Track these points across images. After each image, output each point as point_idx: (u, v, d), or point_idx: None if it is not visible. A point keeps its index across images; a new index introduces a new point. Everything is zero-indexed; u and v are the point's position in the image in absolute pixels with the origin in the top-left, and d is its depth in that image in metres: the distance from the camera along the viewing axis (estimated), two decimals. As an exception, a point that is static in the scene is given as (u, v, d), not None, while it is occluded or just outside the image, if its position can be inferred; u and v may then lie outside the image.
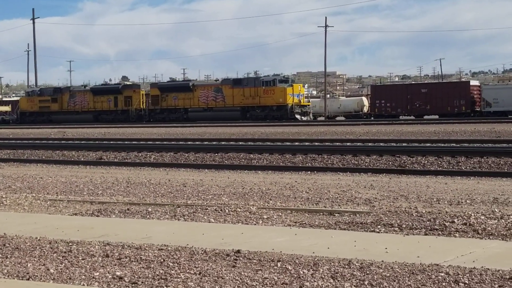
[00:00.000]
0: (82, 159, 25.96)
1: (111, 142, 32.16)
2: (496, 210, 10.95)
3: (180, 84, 69.93)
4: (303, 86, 70.50)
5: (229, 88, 64.46)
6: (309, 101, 66.42)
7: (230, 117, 61.83)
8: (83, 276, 7.11)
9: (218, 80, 69.36)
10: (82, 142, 33.88)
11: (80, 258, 7.94)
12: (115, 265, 7.59)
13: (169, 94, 67.54)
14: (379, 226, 9.95)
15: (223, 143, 29.69)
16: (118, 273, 7.15)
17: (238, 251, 8.08)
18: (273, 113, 62.27)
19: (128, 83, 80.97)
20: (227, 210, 11.65)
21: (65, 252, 8.28)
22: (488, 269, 7.00)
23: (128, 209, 12.17)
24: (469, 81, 71.39)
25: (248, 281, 6.82)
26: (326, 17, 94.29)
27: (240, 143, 29.50)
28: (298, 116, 61.18)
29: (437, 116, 61.77)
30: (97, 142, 33.27)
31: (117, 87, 73.22)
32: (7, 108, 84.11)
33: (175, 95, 67.13)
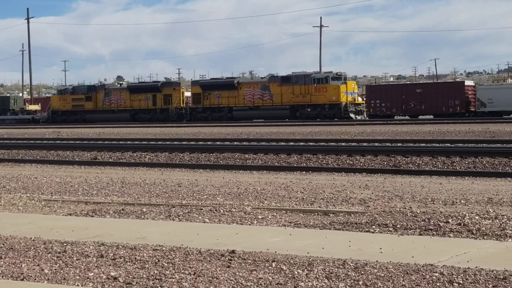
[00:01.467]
0: (77, 159, 25.94)
1: (106, 142, 32.13)
2: (490, 210, 10.97)
3: (224, 82, 65.77)
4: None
5: (277, 85, 61.44)
6: (363, 100, 62.08)
7: (278, 116, 59.45)
8: (78, 277, 7.10)
9: (264, 77, 65.99)
10: (77, 142, 33.84)
11: (75, 259, 7.94)
12: (109, 265, 7.59)
13: (212, 92, 64.51)
14: (374, 226, 9.96)
15: (218, 143, 29.67)
16: (112, 274, 7.15)
17: (233, 251, 8.09)
18: (325, 112, 59.16)
19: (167, 80, 77.65)
20: (222, 210, 11.65)
21: (59, 253, 8.27)
22: (482, 269, 7.01)
23: (122, 209, 12.17)
24: (464, 81, 71.43)
25: (243, 281, 6.82)
26: (321, 17, 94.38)
27: (235, 143, 29.50)
28: (352, 115, 57.90)
29: (432, 116, 61.81)
30: (91, 142, 33.24)
31: (156, 85, 70.52)
32: (37, 107, 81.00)
33: (218, 93, 64.09)
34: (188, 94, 69.42)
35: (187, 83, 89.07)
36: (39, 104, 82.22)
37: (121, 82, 77.96)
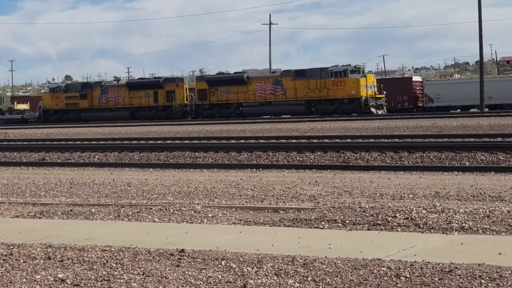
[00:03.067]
0: (24, 160, 25.57)
1: (54, 143, 31.75)
2: (437, 204, 11.12)
3: (232, 77, 63.43)
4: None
5: (290, 80, 58.82)
6: (383, 93, 58.49)
7: (292, 112, 57.57)
8: (24, 280, 7.00)
9: (275, 72, 63.24)
10: (25, 143, 33.35)
11: (21, 261, 7.82)
12: (57, 267, 7.50)
13: (219, 87, 61.87)
14: (323, 222, 10.03)
15: (168, 142, 29.55)
16: (60, 276, 7.07)
17: (182, 251, 8.06)
18: (343, 107, 56.88)
19: (170, 76, 74.00)
20: (171, 209, 11.60)
21: (5, 256, 8.14)
22: (428, 262, 7.11)
23: (71, 210, 12.04)
24: (412, 77, 72.36)
25: (192, 280, 6.81)
26: (270, 15, 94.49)
27: (186, 141, 29.42)
28: (373, 110, 55.71)
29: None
30: (39, 142, 32.80)
31: (157, 81, 67.62)
32: (25, 106, 77.30)
33: (226, 89, 61.47)
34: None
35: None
36: (28, 103, 79.03)
37: (118, 79, 75.16)
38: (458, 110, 59.79)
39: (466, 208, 10.52)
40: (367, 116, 51.72)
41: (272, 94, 59.91)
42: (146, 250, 8.19)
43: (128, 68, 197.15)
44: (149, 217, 11.11)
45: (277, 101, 59.55)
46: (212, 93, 62.19)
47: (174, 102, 63.96)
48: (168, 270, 7.21)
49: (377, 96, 56.94)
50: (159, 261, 7.67)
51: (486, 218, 9.72)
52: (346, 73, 56.79)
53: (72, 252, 8.21)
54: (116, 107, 67.48)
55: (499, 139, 23.63)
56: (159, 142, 29.57)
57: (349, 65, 58.19)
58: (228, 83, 61.67)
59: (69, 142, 31.65)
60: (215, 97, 62.16)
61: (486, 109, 57.47)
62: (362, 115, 53.28)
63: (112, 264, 7.54)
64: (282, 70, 62.00)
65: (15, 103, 78.60)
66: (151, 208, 11.82)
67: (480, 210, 10.27)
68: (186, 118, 62.43)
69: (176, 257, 7.81)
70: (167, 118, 62.65)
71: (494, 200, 11.71)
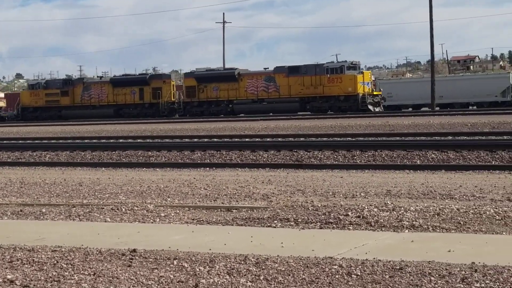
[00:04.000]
0: (-27, 159, 25.13)
1: (4, 142, 31.27)
2: (388, 202, 11.23)
3: (222, 73, 60.77)
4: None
5: (283, 77, 56.98)
6: (380, 90, 57.16)
7: (286, 110, 55.27)
8: (-28, 281, 6.88)
9: (267, 68, 60.67)
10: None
11: (-31, 263, 7.69)
12: (6, 268, 7.39)
13: (209, 84, 59.73)
14: (276, 221, 10.05)
15: (121, 140, 29.34)
16: (9, 277, 6.96)
17: (134, 250, 8.00)
18: (339, 104, 55.24)
19: (156, 73, 69.88)
20: (123, 209, 11.52)
21: (-47, 257, 8.00)
22: (379, 260, 7.17)
23: (21, 211, 11.87)
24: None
25: (144, 280, 6.76)
26: (224, 13, 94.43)
27: (138, 140, 29.24)
28: (371, 107, 54.09)
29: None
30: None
31: (143, 77, 64.80)
32: (1, 104, 74.04)
33: (216, 86, 59.32)
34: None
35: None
36: (4, 101, 75.71)
37: (101, 75, 72.36)
38: (410, 109, 60.38)
39: (417, 206, 10.63)
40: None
41: (264, 91, 58.38)
42: (97, 250, 8.12)
43: (80, 66, 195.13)
44: (101, 216, 11.02)
45: (270, 98, 57.90)
46: (201, 90, 60.43)
47: (161, 100, 62.15)
48: (120, 270, 7.15)
49: (374, 93, 55.95)
50: (110, 261, 7.61)
51: (436, 216, 9.85)
52: (342, 70, 55.41)
53: (21, 253, 8.10)
54: (99, 105, 65.19)
55: (450, 137, 23.96)
56: (111, 141, 29.32)
57: (346, 61, 57.10)
58: (218, 80, 59.62)
59: (20, 141, 31.20)
60: (205, 94, 60.34)
61: (437, 108, 58.09)
62: (358, 112, 51.96)
63: (63, 264, 7.46)
64: (275, 66, 59.97)
65: None
66: (103, 208, 11.72)
67: (431, 208, 10.39)
68: (174, 116, 60.91)
69: (128, 257, 7.76)
70: (153, 116, 61.05)
71: (444, 198, 11.86)
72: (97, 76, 72.19)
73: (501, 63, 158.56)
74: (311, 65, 57.53)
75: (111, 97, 64.51)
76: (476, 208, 10.24)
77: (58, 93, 66.57)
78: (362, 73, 56.08)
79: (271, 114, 55.06)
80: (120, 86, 64.29)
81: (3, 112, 72.53)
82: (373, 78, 59.13)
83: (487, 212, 9.89)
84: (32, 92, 68.24)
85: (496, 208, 10.21)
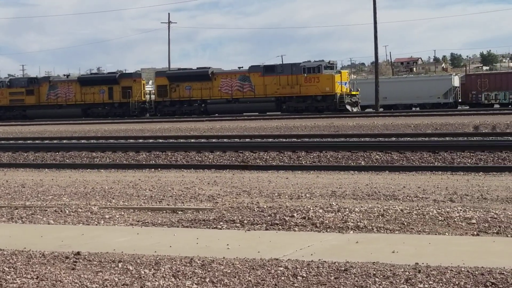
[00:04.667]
0: None
1: None
2: (333, 203, 11.30)
3: (195, 72, 59.80)
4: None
5: (258, 76, 56.39)
6: (358, 90, 56.53)
7: (261, 109, 55.14)
8: None
9: (242, 67, 59.93)
10: None
11: None
12: None
13: (181, 83, 58.79)
14: (221, 223, 10.03)
15: (64, 141, 28.97)
16: (-52, 281, 6.81)
17: (78, 253, 7.90)
18: (317, 104, 54.84)
19: (126, 71, 68.20)
20: (67, 211, 11.37)
21: None
22: (325, 261, 7.21)
23: (-39, 213, 11.61)
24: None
25: (88, 283, 6.68)
26: (169, 13, 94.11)
27: (82, 141, 28.92)
28: (349, 107, 53.95)
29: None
30: None
31: (113, 76, 63.52)
32: None
33: (188, 85, 58.45)
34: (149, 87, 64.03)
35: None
36: None
37: (67, 74, 70.55)
38: (217, 114, 60.98)
39: (362, 207, 10.73)
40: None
41: (239, 91, 57.57)
42: (40, 253, 7.99)
43: (23, 65, 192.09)
44: (44, 219, 10.85)
45: (244, 98, 57.10)
46: (173, 89, 59.46)
47: (131, 99, 61.01)
48: (63, 273, 7.05)
49: (352, 93, 55.51)
50: (53, 264, 7.50)
51: (380, 217, 9.94)
52: (320, 69, 55.01)
53: (-39, 257, 7.92)
54: (66, 104, 63.81)
55: (393, 139, 24.27)
56: (55, 141, 28.95)
57: (323, 60, 56.71)
58: (191, 79, 58.91)
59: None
60: (177, 94, 59.42)
61: (381, 109, 58.75)
62: (334, 112, 51.88)
63: (5, 268, 7.32)
64: (250, 65, 59.42)
65: None
66: (46, 210, 11.55)
67: (375, 209, 10.49)
68: (144, 116, 59.94)
69: (72, 260, 7.66)
70: (123, 116, 59.82)
71: (388, 199, 11.99)
72: (64, 75, 70.68)
73: (443, 65, 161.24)
74: (287, 64, 57.27)
75: (79, 96, 63.43)
76: (419, 209, 10.38)
77: (23, 92, 65.07)
78: (340, 72, 55.83)
79: (212, 115, 54.84)
80: (88, 85, 63.23)
81: None
82: (350, 78, 58.96)
83: (430, 213, 10.03)
84: None
85: (439, 209, 10.36)
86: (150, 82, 68.90)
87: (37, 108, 64.53)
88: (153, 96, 63.01)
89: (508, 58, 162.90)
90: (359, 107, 55.89)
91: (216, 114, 56.41)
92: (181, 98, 59.19)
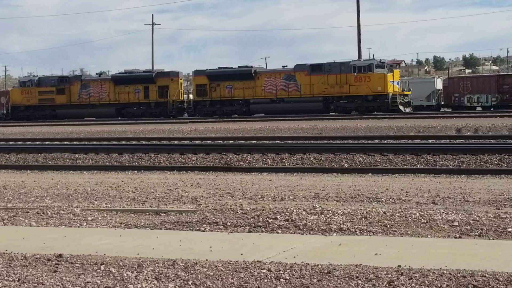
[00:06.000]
0: None
1: None
2: (317, 205, 11.31)
3: (237, 71, 57.16)
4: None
5: (305, 75, 53.85)
6: (410, 90, 54.07)
7: (308, 110, 52.28)
8: None
9: (285, 66, 57.26)
10: None
11: None
12: None
13: (222, 82, 56.29)
14: (205, 225, 10.01)
15: (47, 143, 28.84)
16: None
17: (60, 255, 7.86)
18: (367, 104, 52.38)
19: (163, 70, 64.35)
20: (49, 213, 11.31)
21: None
22: (308, 264, 7.21)
23: None
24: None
25: (70, 286, 6.65)
26: (152, 15, 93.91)
27: (65, 142, 28.80)
28: (401, 107, 51.53)
29: (263, 114, 62.99)
30: None
31: (149, 75, 60.61)
32: None
33: (230, 84, 55.97)
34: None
35: (14, 81, 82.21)
36: None
37: (100, 73, 67.65)
38: (262, 114, 60.69)
39: (345, 209, 10.74)
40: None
41: (284, 90, 55.16)
42: (22, 256, 7.94)
43: (5, 66, 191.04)
44: (26, 221, 10.79)
45: (290, 97, 54.79)
46: (213, 89, 56.93)
47: (168, 98, 58.54)
48: (45, 276, 7.01)
49: (404, 93, 53.28)
50: (35, 266, 7.45)
51: (363, 219, 9.96)
52: (371, 68, 52.47)
53: None
54: (99, 103, 61.23)
55: (376, 141, 24.33)
56: (37, 143, 28.80)
57: (374, 59, 54.52)
58: (232, 78, 56.36)
59: None
60: (217, 93, 56.86)
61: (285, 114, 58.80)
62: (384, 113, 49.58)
63: (-14, 270, 7.27)
64: (296, 64, 56.43)
65: None
66: (28, 212, 11.48)
67: (358, 211, 10.51)
68: (182, 116, 57.80)
69: (54, 262, 7.61)
70: (159, 116, 57.66)
71: (371, 201, 12.02)
72: (96, 74, 67.97)
73: (426, 68, 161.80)
74: (336, 63, 54.71)
75: (113, 96, 60.83)
76: (402, 211, 10.41)
77: (53, 91, 62.66)
78: (392, 71, 53.71)
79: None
80: (122, 84, 60.66)
81: None
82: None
83: (413, 215, 10.06)
84: (24, 90, 64.11)
85: (422, 212, 10.39)
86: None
87: (68, 108, 62.07)
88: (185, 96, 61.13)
89: (490, 61, 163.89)
90: (411, 107, 53.91)
91: (262, 114, 54.38)
92: (222, 98, 56.95)
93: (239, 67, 58.36)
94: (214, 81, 56.97)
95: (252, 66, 58.44)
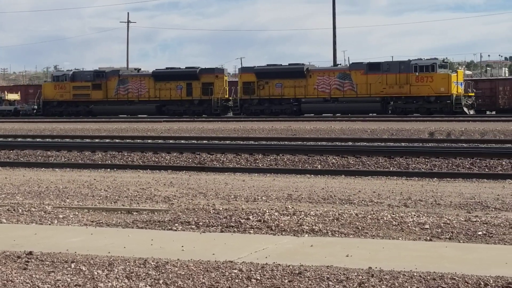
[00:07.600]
0: None
1: None
2: (289, 206, 11.33)
3: (288, 69, 54.64)
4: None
5: (361, 74, 51.83)
6: (474, 91, 51.75)
7: (364, 110, 51.03)
8: None
9: (339, 64, 55.99)
10: None
11: None
12: None
13: (271, 80, 54.31)
14: (177, 224, 9.99)
15: (19, 139, 28.63)
16: None
17: (30, 253, 7.80)
18: (428, 106, 50.50)
19: (207, 66, 62.29)
20: (20, 210, 11.22)
21: None
22: (279, 264, 7.22)
23: None
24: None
25: (40, 283, 6.60)
26: (128, 13, 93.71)
27: (38, 139, 28.59)
28: (466, 110, 49.56)
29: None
30: None
31: (193, 71, 58.15)
32: (15, 96, 66.15)
33: (279, 82, 54.01)
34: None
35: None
36: (19, 93, 67.52)
37: (138, 68, 64.34)
38: (312, 114, 61.00)
39: (317, 210, 10.78)
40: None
41: (338, 90, 53.05)
42: (-9, 253, 7.87)
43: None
44: (-4, 218, 10.69)
45: (345, 97, 52.79)
46: (261, 87, 54.86)
47: (213, 96, 56.33)
48: (15, 273, 6.96)
49: (468, 94, 51.12)
50: (5, 264, 7.39)
51: (335, 220, 10.00)
52: (434, 68, 50.49)
53: None
54: (139, 100, 59.22)
55: (350, 143, 24.44)
56: (9, 139, 28.57)
57: (436, 58, 52.55)
58: (282, 76, 54.14)
59: None
60: (266, 91, 54.80)
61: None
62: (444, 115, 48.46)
63: (-46, 267, 7.20)
64: (351, 62, 54.65)
65: (6, 93, 67.42)
66: (-1, 209, 11.38)
67: (330, 213, 10.55)
68: (227, 114, 56.46)
69: (24, 259, 7.56)
70: (202, 114, 56.37)
71: (343, 203, 12.07)
72: (134, 69, 65.17)
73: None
74: (395, 62, 53.37)
75: (153, 92, 58.59)
76: (374, 214, 10.46)
77: (89, 86, 60.26)
78: (456, 72, 52.10)
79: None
80: (163, 80, 58.26)
81: (20, 106, 65.22)
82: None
83: (384, 218, 10.11)
84: (57, 85, 61.77)
85: (393, 214, 10.45)
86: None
87: (104, 104, 60.16)
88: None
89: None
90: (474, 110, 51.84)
91: (312, 114, 52.98)
92: (271, 96, 54.94)
93: (289, 64, 56.11)
94: (262, 78, 55.06)
95: (303, 64, 56.04)
